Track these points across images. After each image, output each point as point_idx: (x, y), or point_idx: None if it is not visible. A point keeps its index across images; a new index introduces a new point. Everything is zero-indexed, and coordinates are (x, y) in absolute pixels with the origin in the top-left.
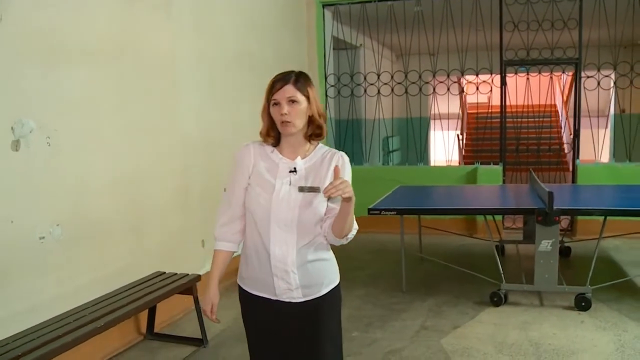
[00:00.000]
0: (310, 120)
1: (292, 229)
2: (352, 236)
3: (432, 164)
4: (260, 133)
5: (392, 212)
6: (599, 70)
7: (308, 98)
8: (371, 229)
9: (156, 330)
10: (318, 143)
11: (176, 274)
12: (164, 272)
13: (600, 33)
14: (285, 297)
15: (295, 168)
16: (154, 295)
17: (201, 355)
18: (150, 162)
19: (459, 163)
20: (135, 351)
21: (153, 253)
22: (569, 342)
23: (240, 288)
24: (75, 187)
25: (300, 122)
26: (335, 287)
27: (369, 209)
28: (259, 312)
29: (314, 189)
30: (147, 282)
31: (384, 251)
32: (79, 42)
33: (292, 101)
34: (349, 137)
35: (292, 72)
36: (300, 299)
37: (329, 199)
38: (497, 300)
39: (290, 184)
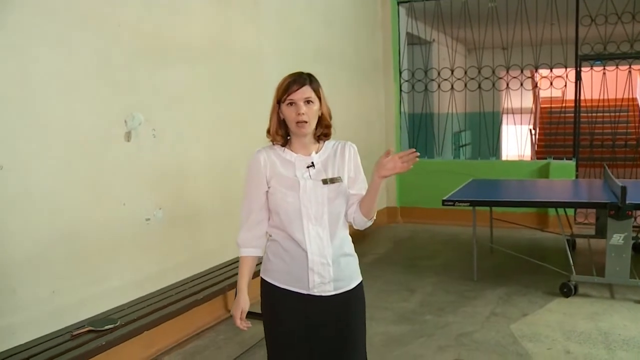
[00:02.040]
0: (320, 120)
1: (323, 223)
2: (375, 217)
3: (503, 158)
4: (269, 132)
5: (466, 204)
6: None
7: (320, 99)
8: (443, 221)
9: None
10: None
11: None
12: None
13: None
14: (317, 291)
15: (312, 162)
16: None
17: None
18: (240, 151)
19: (531, 158)
20: (223, 326)
21: None
22: (639, 334)
23: (264, 282)
24: (175, 174)
25: (314, 122)
26: (361, 282)
27: (443, 200)
28: (287, 306)
29: (336, 180)
30: (234, 264)
31: (455, 242)
32: (180, 42)
33: (309, 102)
34: (422, 131)
35: (304, 73)
36: (332, 292)
37: (351, 187)
38: (567, 291)
39: (311, 178)
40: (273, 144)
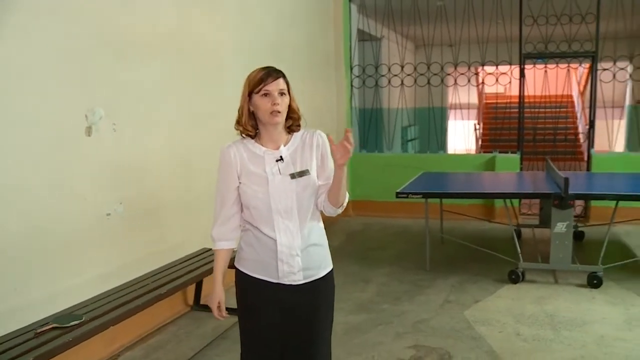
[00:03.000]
0: (289, 113)
1: (293, 216)
2: (345, 204)
3: (450, 152)
4: (239, 123)
5: (419, 196)
6: (614, 63)
7: (289, 92)
8: (394, 213)
9: (202, 302)
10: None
11: None
12: (210, 249)
13: (617, 26)
14: (287, 280)
15: (281, 156)
16: (201, 271)
17: None
18: (200, 146)
19: (476, 152)
20: (184, 320)
21: (200, 231)
22: (582, 315)
23: (238, 270)
24: (135, 169)
25: (285, 114)
26: (331, 270)
27: (397, 193)
28: (258, 294)
29: (304, 173)
30: (196, 257)
31: (407, 233)
32: (140, 36)
33: (282, 94)
34: (372, 126)
35: (273, 67)
36: (301, 281)
37: (319, 177)
38: (515, 277)
39: (280, 173)
40: (242, 136)
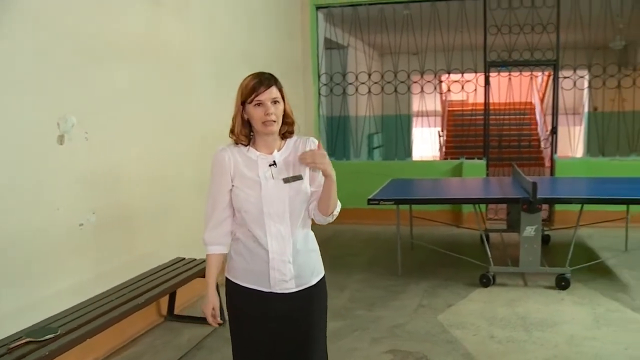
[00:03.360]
0: (284, 118)
1: (285, 221)
2: (337, 213)
3: (415, 159)
4: (234, 133)
5: (390, 202)
6: (574, 71)
7: (283, 98)
8: (363, 220)
9: (176, 312)
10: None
11: (195, 259)
12: (184, 258)
13: (576, 36)
14: (279, 289)
15: (274, 161)
16: (176, 280)
17: (221, 332)
18: (172, 155)
19: (440, 159)
20: (159, 330)
21: (174, 240)
22: (552, 316)
23: (229, 281)
24: (108, 178)
25: (280, 121)
26: (323, 277)
27: (369, 199)
28: (250, 304)
29: (297, 178)
30: (169, 267)
31: (377, 240)
32: (110, 42)
33: (275, 102)
34: (340, 133)
35: (267, 73)
36: (293, 289)
37: (311, 184)
38: (486, 281)
39: (273, 178)
40: (237, 144)
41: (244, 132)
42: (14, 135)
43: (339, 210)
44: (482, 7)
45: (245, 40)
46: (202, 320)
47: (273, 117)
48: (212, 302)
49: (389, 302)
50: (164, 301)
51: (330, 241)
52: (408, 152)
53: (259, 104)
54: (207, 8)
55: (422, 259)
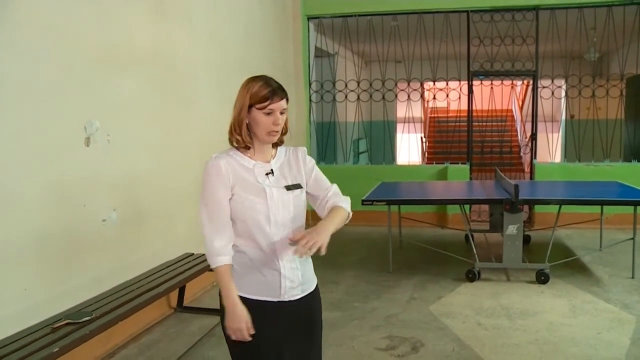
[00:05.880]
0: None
1: (289, 228)
2: (350, 215)
3: (400, 163)
4: (240, 136)
5: (382, 203)
6: (552, 81)
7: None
8: (353, 221)
9: (185, 303)
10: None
11: (203, 254)
12: (193, 253)
13: (554, 47)
14: (288, 297)
15: (271, 170)
16: (186, 275)
17: None
18: (179, 156)
19: (421, 163)
20: (170, 321)
21: (183, 236)
22: (533, 306)
23: None
24: (126, 178)
25: (280, 132)
26: (317, 283)
27: (363, 200)
28: (259, 317)
29: (297, 186)
30: (179, 262)
31: (367, 240)
32: (128, 53)
33: (283, 112)
34: (330, 139)
35: (274, 80)
36: (299, 296)
37: (315, 189)
38: (472, 276)
39: (273, 186)
40: (237, 148)
41: (246, 139)
42: (48, 138)
43: (350, 214)
44: (466, 19)
45: (242, 49)
46: (210, 312)
47: (279, 128)
48: (243, 317)
49: (383, 295)
50: (174, 294)
51: None
52: (392, 157)
53: (269, 113)
54: (207, 18)
55: (411, 257)
